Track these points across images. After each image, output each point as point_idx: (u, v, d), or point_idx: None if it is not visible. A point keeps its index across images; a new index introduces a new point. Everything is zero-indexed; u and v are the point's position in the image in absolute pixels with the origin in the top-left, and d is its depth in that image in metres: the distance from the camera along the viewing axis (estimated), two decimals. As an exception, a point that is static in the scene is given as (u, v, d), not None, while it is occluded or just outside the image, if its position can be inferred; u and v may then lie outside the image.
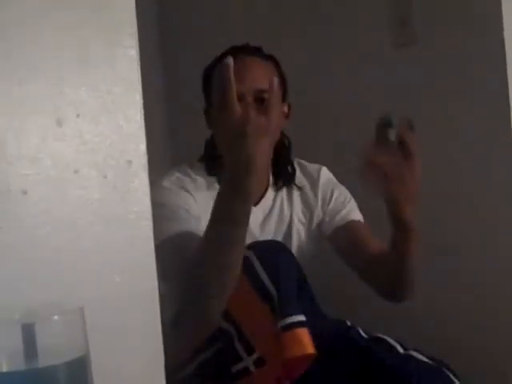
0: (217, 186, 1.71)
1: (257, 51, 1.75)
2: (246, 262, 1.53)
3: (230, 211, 1.47)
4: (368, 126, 2.19)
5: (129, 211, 1.16)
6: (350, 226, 1.88)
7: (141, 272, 1.17)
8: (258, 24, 2.33)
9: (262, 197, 1.86)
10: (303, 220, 1.91)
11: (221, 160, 1.53)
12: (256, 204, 1.82)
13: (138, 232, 1.17)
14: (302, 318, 1.50)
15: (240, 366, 1.53)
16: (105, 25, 1.14)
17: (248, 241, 1.56)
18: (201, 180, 1.79)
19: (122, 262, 1.15)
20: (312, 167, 1.94)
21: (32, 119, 1.07)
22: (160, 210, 1.55)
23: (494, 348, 2.02)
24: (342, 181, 1.95)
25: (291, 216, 1.88)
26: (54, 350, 0.96)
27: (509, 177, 1.94)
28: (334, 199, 1.91)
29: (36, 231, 1.07)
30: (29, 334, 0.94)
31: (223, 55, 1.75)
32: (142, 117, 1.18)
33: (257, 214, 1.80)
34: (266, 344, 1.51)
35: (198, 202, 1.72)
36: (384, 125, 1.55)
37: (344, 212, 1.90)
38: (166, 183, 1.74)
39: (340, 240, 1.87)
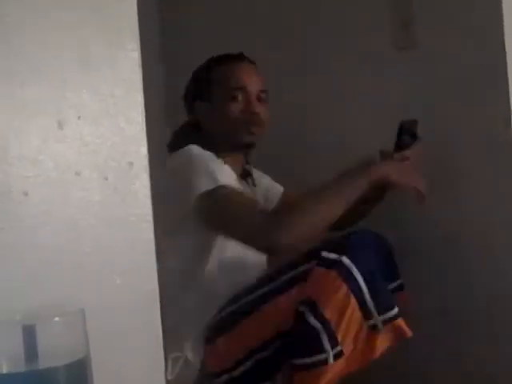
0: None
1: (246, 57, 1.97)
2: (343, 267, 1.66)
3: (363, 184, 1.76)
4: (368, 128, 2.19)
5: (130, 213, 1.16)
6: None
7: (142, 274, 1.17)
8: (258, 29, 2.33)
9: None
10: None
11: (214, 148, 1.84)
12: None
13: (138, 234, 1.17)
14: (396, 310, 1.67)
15: (320, 357, 1.66)
16: (107, 28, 1.14)
17: None
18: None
19: (123, 263, 1.15)
20: None
21: (33, 121, 1.07)
22: (197, 167, 1.76)
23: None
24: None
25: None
26: (54, 352, 0.96)
27: (509, 178, 1.94)
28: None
29: (37, 232, 1.07)
30: (29, 336, 0.94)
31: (218, 60, 1.96)
32: (144, 119, 1.18)
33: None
34: (350, 340, 1.67)
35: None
36: (411, 126, 1.85)
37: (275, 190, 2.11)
38: (195, 150, 1.83)
39: None
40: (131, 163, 1.17)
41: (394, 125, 1.87)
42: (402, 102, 2.06)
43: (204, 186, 1.73)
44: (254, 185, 2.02)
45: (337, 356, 1.66)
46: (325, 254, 1.69)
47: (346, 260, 1.67)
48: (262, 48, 2.23)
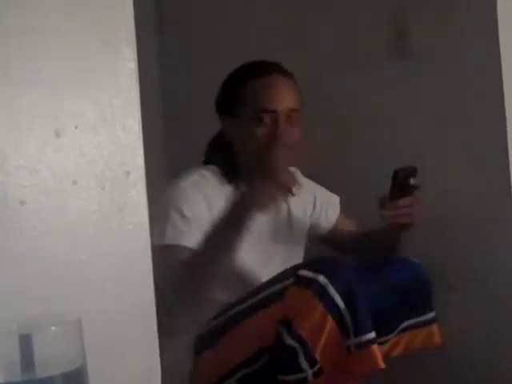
0: (228, 189, 1.83)
1: (281, 69, 1.85)
2: (319, 286, 1.64)
3: (244, 216, 1.66)
4: (365, 138, 2.20)
5: (126, 222, 1.16)
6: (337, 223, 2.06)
7: (138, 283, 1.17)
8: (258, 37, 2.33)
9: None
10: (303, 220, 2.02)
11: (239, 167, 1.81)
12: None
13: (135, 243, 1.17)
14: (373, 335, 1.64)
15: (299, 375, 1.66)
16: (104, 37, 1.14)
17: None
18: (215, 182, 1.85)
19: (120, 272, 1.15)
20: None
21: (31, 130, 1.08)
22: (170, 210, 1.72)
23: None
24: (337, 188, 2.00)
25: (295, 216, 2.00)
26: (51, 361, 0.95)
27: (504, 185, 1.94)
28: (319, 200, 2.04)
29: (34, 241, 1.07)
30: (26, 345, 0.94)
31: (249, 69, 1.86)
32: (140, 128, 1.18)
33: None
34: (330, 359, 1.65)
35: (212, 205, 1.81)
36: (408, 174, 1.75)
37: (330, 212, 2.05)
38: (182, 183, 1.77)
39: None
40: (128, 172, 1.17)
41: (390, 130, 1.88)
42: (399, 112, 2.07)
43: (166, 237, 1.72)
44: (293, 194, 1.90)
45: (317, 374, 1.65)
46: (302, 272, 1.67)
47: (322, 279, 1.64)
48: (262, 48, 2.23)
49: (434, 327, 1.80)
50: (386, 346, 1.76)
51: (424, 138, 2.01)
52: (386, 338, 1.75)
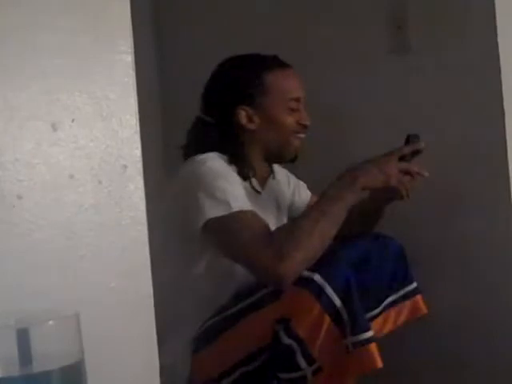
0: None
1: (284, 62, 1.94)
2: (316, 285, 1.64)
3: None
4: (365, 130, 2.20)
5: (124, 216, 1.16)
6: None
7: (136, 277, 1.17)
8: (258, 32, 2.33)
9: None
10: (287, 203, 2.08)
11: (247, 154, 1.86)
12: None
13: (133, 237, 1.17)
14: (371, 333, 1.64)
15: (298, 374, 1.66)
16: (100, 30, 1.14)
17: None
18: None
19: (118, 267, 1.15)
20: None
21: (27, 124, 1.07)
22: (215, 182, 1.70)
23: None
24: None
25: (282, 194, 2.06)
26: (48, 356, 0.95)
27: (501, 182, 1.94)
28: (292, 181, 2.11)
29: (31, 236, 1.07)
30: (23, 340, 0.94)
31: (264, 65, 1.90)
32: (138, 122, 1.18)
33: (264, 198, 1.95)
34: (328, 357, 1.65)
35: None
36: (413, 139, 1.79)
37: (302, 191, 2.12)
38: (210, 162, 1.77)
39: None
40: (125, 166, 1.16)
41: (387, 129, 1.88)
42: (397, 106, 2.07)
43: (214, 211, 1.67)
44: (274, 178, 1.98)
45: (316, 371, 1.66)
46: None
47: (318, 278, 1.64)
48: (261, 48, 2.22)
49: (418, 297, 1.80)
50: (375, 326, 1.75)
51: (423, 132, 2.01)
52: (370, 313, 1.74)
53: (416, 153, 1.75)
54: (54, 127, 1.09)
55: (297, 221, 1.75)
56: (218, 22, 2.45)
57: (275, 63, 1.91)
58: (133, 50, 1.16)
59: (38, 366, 0.94)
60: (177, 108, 2.51)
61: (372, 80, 2.12)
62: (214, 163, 1.77)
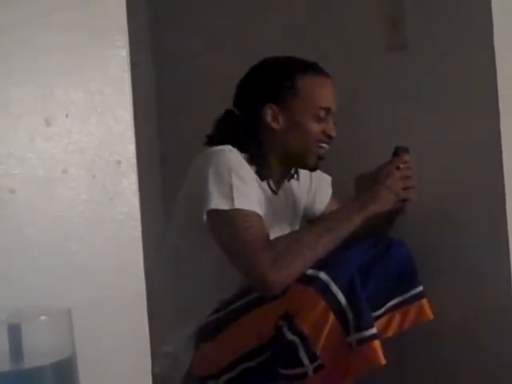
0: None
1: (324, 70, 1.93)
2: (321, 283, 1.66)
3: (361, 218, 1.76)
4: (359, 127, 2.19)
5: (117, 212, 1.16)
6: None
7: (129, 273, 1.17)
8: (258, 32, 2.32)
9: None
10: (303, 206, 2.06)
11: (264, 152, 1.85)
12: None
13: (126, 233, 1.17)
14: (374, 330, 1.66)
15: (300, 370, 1.68)
16: (95, 25, 1.13)
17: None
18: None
19: (110, 262, 1.15)
20: None
21: (21, 119, 1.07)
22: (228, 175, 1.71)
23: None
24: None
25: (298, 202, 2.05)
26: (40, 351, 0.95)
27: (494, 180, 1.95)
28: (314, 183, 2.09)
29: (23, 230, 1.07)
30: (15, 335, 0.93)
31: (302, 68, 1.89)
32: (132, 117, 1.18)
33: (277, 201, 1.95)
34: (331, 354, 1.67)
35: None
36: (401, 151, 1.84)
37: (323, 194, 2.10)
38: (227, 155, 1.78)
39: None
40: (119, 161, 1.16)
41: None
42: (393, 102, 2.07)
43: (218, 203, 1.69)
44: (297, 179, 1.98)
45: (317, 368, 1.66)
46: None
47: (323, 276, 1.66)
48: (260, 47, 2.22)
49: (424, 302, 1.80)
50: (378, 327, 1.75)
51: (422, 129, 2.01)
52: (373, 314, 1.74)
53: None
54: (48, 122, 1.09)
55: (301, 233, 1.78)
56: (218, 14, 2.44)
57: (312, 69, 1.89)
58: (128, 46, 1.15)
59: (29, 362, 0.94)
60: (172, 104, 2.51)
61: (368, 77, 2.12)
62: (232, 156, 1.77)
